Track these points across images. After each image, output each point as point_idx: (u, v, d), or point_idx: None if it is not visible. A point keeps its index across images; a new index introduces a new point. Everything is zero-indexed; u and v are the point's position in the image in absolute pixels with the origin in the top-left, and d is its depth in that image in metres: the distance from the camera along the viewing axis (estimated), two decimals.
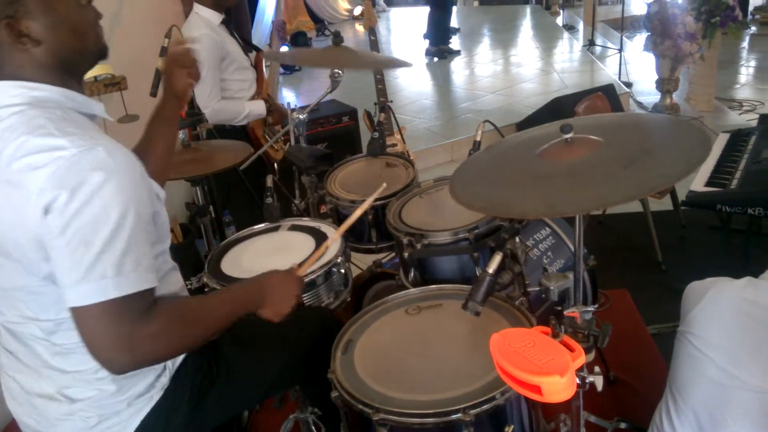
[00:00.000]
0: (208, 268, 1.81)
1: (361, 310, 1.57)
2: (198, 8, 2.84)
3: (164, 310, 1.08)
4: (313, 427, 1.84)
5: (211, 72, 2.76)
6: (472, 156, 1.47)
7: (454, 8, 10.45)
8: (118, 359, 1.04)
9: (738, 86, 6.24)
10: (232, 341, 1.43)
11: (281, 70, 6.85)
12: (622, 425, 1.88)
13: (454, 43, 8.12)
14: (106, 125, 2.59)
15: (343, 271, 1.81)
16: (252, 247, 1.92)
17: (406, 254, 1.76)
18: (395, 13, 11.79)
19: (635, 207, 3.07)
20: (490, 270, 1.25)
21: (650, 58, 5.11)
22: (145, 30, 3.32)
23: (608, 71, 6.23)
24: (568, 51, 7.64)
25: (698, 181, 2.41)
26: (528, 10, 10.88)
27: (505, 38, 8.77)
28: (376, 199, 2.06)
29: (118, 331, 1.02)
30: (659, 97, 5.11)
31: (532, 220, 1.93)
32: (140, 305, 1.04)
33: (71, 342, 1.14)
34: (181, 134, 2.17)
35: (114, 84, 2.45)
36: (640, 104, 5.38)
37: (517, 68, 6.96)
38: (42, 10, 1.06)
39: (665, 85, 4.97)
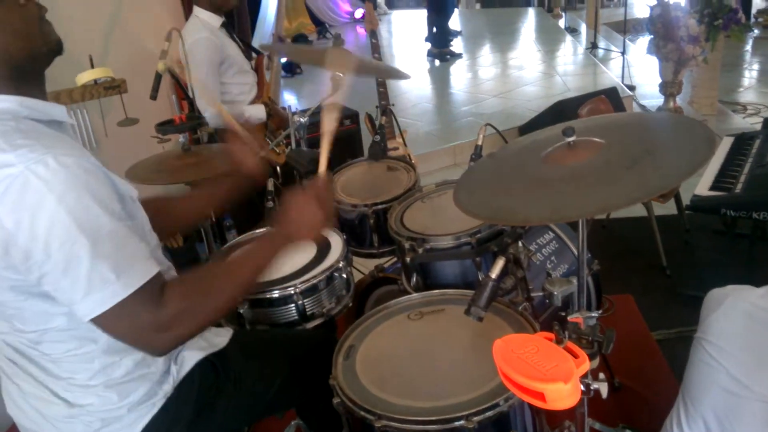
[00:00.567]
0: None
1: (363, 316, 1.56)
2: (197, 11, 2.83)
3: (173, 290, 1.08)
4: None
5: (210, 75, 2.75)
6: (474, 164, 1.45)
7: (456, 11, 10.48)
8: (156, 344, 1.07)
9: (741, 89, 6.23)
10: (240, 353, 1.42)
11: (283, 73, 6.85)
12: None
13: (456, 45, 8.12)
14: (106, 129, 2.60)
15: (344, 275, 1.80)
16: None
17: (408, 259, 1.75)
18: (397, 15, 11.81)
19: (639, 211, 3.05)
20: (493, 275, 1.24)
21: (653, 61, 5.10)
22: (146, 33, 3.31)
23: (611, 74, 6.22)
24: (570, 54, 7.64)
25: (702, 185, 2.39)
26: (530, 12, 10.89)
27: (507, 41, 8.76)
28: (377, 203, 2.05)
29: (143, 322, 1.04)
30: (662, 100, 5.09)
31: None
32: (153, 293, 1.05)
33: (58, 352, 1.13)
34: (182, 138, 2.16)
35: (114, 87, 2.45)
36: (643, 107, 5.37)
37: (519, 71, 6.95)
38: None
39: (668, 88, 4.96)
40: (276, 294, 1.67)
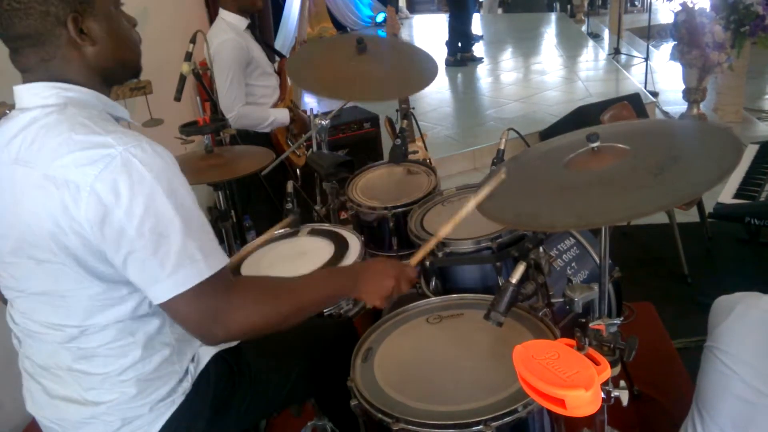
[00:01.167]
0: None
1: (382, 318, 1.56)
2: (223, 14, 2.87)
3: (246, 282, 1.15)
4: None
5: (236, 77, 2.78)
6: (495, 168, 1.45)
7: (477, 15, 10.45)
8: (215, 332, 1.08)
9: (767, 96, 6.13)
10: (255, 348, 1.43)
11: None
12: None
13: (478, 50, 8.10)
14: (131, 129, 2.63)
15: None
16: (272, 253, 1.92)
17: (427, 262, 1.75)
18: (418, 20, 11.81)
19: (661, 218, 3.02)
20: (514, 280, 1.23)
21: (677, 68, 5.04)
22: (171, 35, 3.36)
23: (634, 80, 6.17)
24: (592, 59, 7.58)
25: (726, 193, 2.36)
26: (552, 17, 10.83)
27: (528, 46, 8.72)
28: (397, 207, 2.06)
29: (213, 307, 1.07)
30: (686, 107, 5.02)
31: None
32: (227, 279, 1.10)
33: (94, 345, 1.15)
34: (205, 140, 2.19)
35: (139, 88, 2.48)
36: (666, 114, 5.31)
37: (541, 76, 6.91)
38: (104, 14, 1.13)
39: (692, 95, 4.89)
40: None
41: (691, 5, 4.54)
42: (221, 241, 2.88)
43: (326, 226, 2.04)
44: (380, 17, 10.29)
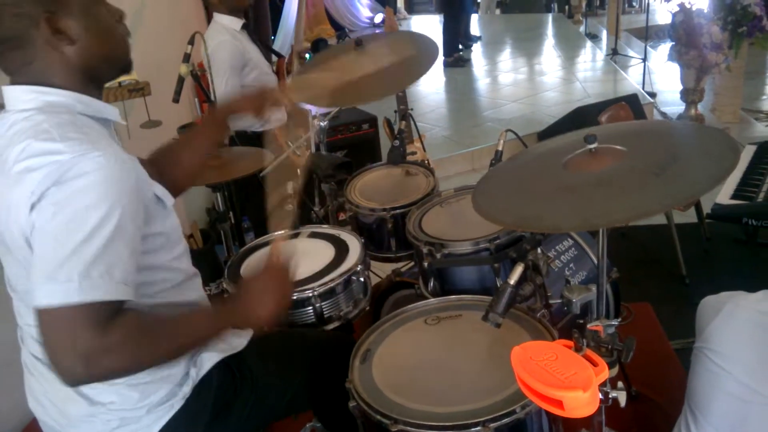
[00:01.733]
0: (227, 273, 1.81)
1: (380, 320, 1.56)
2: (217, 17, 2.86)
3: (123, 322, 1.02)
4: None
5: (231, 79, 2.78)
6: (493, 168, 1.45)
7: (476, 16, 10.45)
8: (73, 370, 0.98)
9: (765, 97, 6.14)
10: (257, 355, 1.42)
11: None
12: None
13: (475, 51, 8.11)
14: (129, 131, 2.63)
15: (362, 279, 1.81)
16: None
17: (425, 264, 1.75)
18: (416, 20, 11.81)
19: (659, 219, 3.03)
20: (512, 281, 1.24)
21: (675, 68, 5.05)
22: (169, 36, 3.36)
23: (632, 81, 6.17)
24: (590, 60, 7.59)
25: (724, 194, 2.37)
26: (550, 18, 10.83)
27: (526, 47, 8.73)
28: (396, 208, 2.06)
29: (76, 340, 0.97)
30: (684, 107, 5.04)
31: None
32: (101, 315, 0.99)
33: None
34: None
35: (137, 90, 2.48)
36: (664, 114, 5.31)
37: (539, 77, 6.92)
38: (82, 10, 1.10)
39: (690, 95, 4.90)
40: (294, 297, 1.68)
41: (688, 6, 4.55)
42: (219, 242, 2.88)
43: (326, 228, 2.04)
44: (378, 18, 10.29)
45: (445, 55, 7.46)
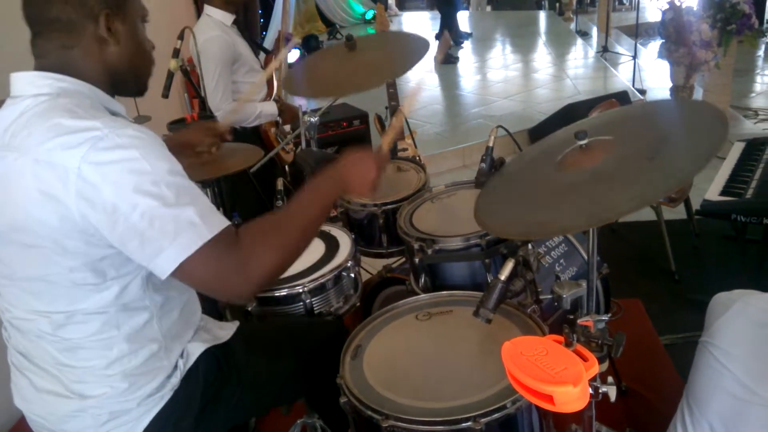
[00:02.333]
0: None
1: (371, 315, 1.56)
2: (208, 9, 2.83)
3: (244, 233, 1.12)
4: None
5: (222, 74, 2.76)
6: (488, 182, 1.45)
7: (467, 13, 10.44)
8: (242, 290, 1.09)
9: (753, 95, 6.19)
10: (245, 345, 1.43)
11: None
12: None
13: (465, 48, 8.11)
14: None
15: (352, 275, 1.80)
16: None
17: (416, 260, 1.75)
18: (407, 17, 11.81)
19: (648, 215, 3.04)
20: (502, 277, 1.24)
21: (664, 66, 5.08)
22: (158, 32, 3.31)
23: (622, 78, 6.21)
24: (581, 57, 7.62)
25: (713, 190, 2.38)
26: (541, 15, 10.87)
27: (517, 44, 8.75)
28: (387, 204, 2.06)
29: (226, 265, 1.07)
30: None
31: None
32: (231, 236, 1.09)
33: (79, 336, 1.15)
34: None
35: None
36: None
37: (530, 74, 6.94)
38: (132, 19, 1.19)
39: (680, 92, 4.93)
40: (284, 292, 1.67)
41: (678, 4, 4.57)
42: None
43: None
44: (369, 14, 10.27)
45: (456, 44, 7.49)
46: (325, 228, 1.97)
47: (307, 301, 1.68)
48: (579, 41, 8.37)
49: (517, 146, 1.95)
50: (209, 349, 1.33)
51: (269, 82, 3.10)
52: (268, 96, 3.06)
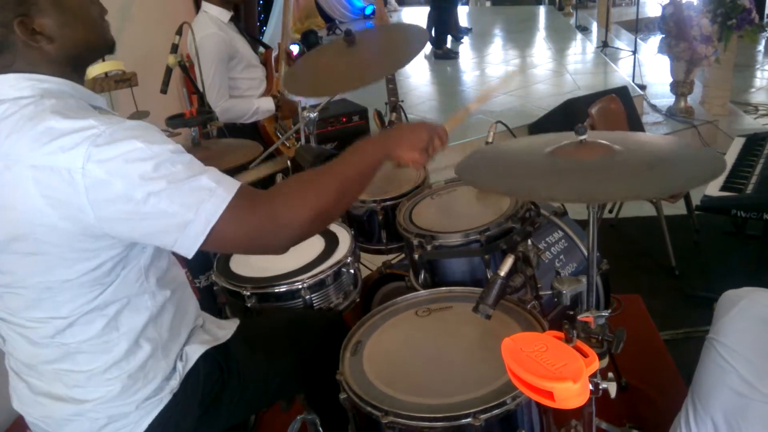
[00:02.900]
0: (217, 266, 1.80)
1: (371, 312, 1.56)
2: (206, 6, 2.82)
3: (280, 185, 1.13)
4: (320, 429, 1.82)
5: (219, 71, 2.75)
6: (473, 152, 1.45)
7: (466, 8, 10.41)
8: (275, 241, 1.09)
9: (754, 90, 6.18)
10: (244, 345, 1.42)
11: None
12: None
13: (466, 42, 8.09)
14: None
15: (352, 271, 1.80)
16: None
17: (416, 256, 1.74)
18: (407, 12, 11.77)
19: (648, 211, 3.04)
20: (502, 273, 1.23)
21: (665, 61, 5.07)
22: (156, 27, 3.32)
23: (622, 73, 6.19)
24: (581, 52, 7.60)
25: (713, 186, 2.37)
26: (541, 10, 10.84)
27: (517, 39, 8.72)
28: (386, 200, 2.05)
29: (255, 219, 1.06)
30: (673, 100, 5.06)
31: (544, 222, 1.90)
32: (253, 192, 1.09)
33: (79, 340, 1.14)
34: (192, 132, 2.17)
35: (124, 80, 2.46)
36: (654, 107, 5.33)
37: (530, 69, 6.92)
38: (54, 7, 1.07)
39: (680, 87, 4.92)
40: (283, 288, 1.67)
41: None
42: None
43: None
44: (369, 9, 10.24)
45: (434, 46, 7.43)
46: None
47: (307, 297, 1.68)
48: (579, 36, 8.35)
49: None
50: (209, 351, 1.32)
51: (268, 78, 3.09)
52: (267, 92, 3.05)
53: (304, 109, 2.27)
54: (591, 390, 1.15)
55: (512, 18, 10.27)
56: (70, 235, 1.02)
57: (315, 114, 2.25)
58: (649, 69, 6.26)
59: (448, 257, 1.74)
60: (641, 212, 3.23)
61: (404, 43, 1.92)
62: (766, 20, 7.13)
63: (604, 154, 1.18)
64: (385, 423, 1.18)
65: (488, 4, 11.98)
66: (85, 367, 1.16)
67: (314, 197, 1.11)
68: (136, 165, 0.99)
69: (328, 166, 1.20)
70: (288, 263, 1.75)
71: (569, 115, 4.48)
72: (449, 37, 7.85)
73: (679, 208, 3.27)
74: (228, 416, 1.37)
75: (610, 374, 1.19)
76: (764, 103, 5.57)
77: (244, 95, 2.94)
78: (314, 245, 1.84)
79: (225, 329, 1.41)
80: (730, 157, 2.60)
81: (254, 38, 3.21)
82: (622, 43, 7.69)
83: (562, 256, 1.91)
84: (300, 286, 1.67)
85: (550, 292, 1.28)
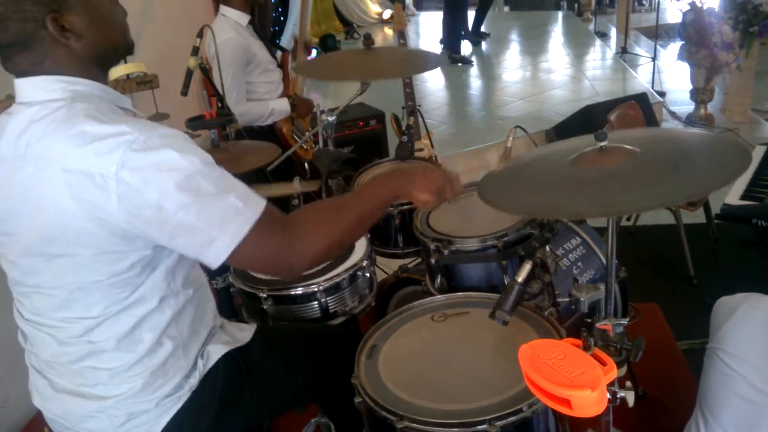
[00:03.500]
0: (234, 268, 1.81)
1: (387, 316, 1.55)
2: (225, 10, 2.83)
3: (300, 213, 1.18)
4: None
5: (236, 76, 2.77)
6: (490, 172, 1.44)
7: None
8: (291, 266, 1.13)
9: None
10: (263, 348, 1.43)
11: None
12: None
13: (484, 47, 8.05)
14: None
15: (368, 274, 1.80)
16: None
17: (432, 260, 1.74)
18: (425, 17, 11.78)
19: (667, 219, 3.01)
20: (520, 279, 1.23)
21: (685, 68, 5.02)
22: (177, 29, 3.35)
23: (641, 80, 6.14)
24: (599, 58, 7.55)
25: (733, 194, 2.34)
26: (559, 16, 10.78)
27: (535, 44, 8.69)
28: (403, 204, 2.05)
29: (275, 243, 1.10)
30: (693, 107, 5.01)
31: (562, 229, 1.89)
32: (274, 214, 1.12)
33: (105, 338, 1.15)
34: (211, 134, 2.18)
35: (146, 82, 2.48)
36: (673, 114, 5.29)
37: (548, 75, 6.88)
38: (83, 5, 1.09)
39: (700, 95, 4.88)
40: (299, 291, 1.68)
41: (699, 5, 4.52)
42: None
43: None
44: (387, 14, 10.26)
45: (450, 51, 7.40)
46: None
47: (322, 300, 1.68)
48: (597, 42, 8.30)
49: (535, 146, 1.94)
50: (230, 352, 1.34)
51: (285, 80, 3.10)
52: (283, 94, 3.06)
53: (322, 112, 2.28)
54: (609, 399, 1.14)
55: (530, 23, 10.24)
56: (100, 237, 1.04)
57: (333, 117, 2.26)
58: (668, 76, 6.21)
59: (465, 262, 1.74)
60: (659, 220, 3.20)
61: (421, 59, 1.94)
62: None
63: (626, 158, 1.17)
64: (400, 428, 1.18)
65: (506, 9, 11.95)
66: (109, 365, 1.17)
67: (330, 231, 1.16)
68: (170, 175, 1.00)
69: (346, 200, 1.29)
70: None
71: (588, 121, 4.46)
72: (467, 42, 7.83)
73: (698, 217, 3.23)
74: (244, 418, 1.38)
75: (628, 383, 1.17)
76: None
77: (261, 99, 2.95)
78: None
79: (245, 331, 1.43)
80: (751, 166, 2.56)
81: (272, 42, 3.23)
82: (642, 49, 7.63)
83: (579, 263, 1.89)
84: (316, 289, 1.67)
85: (567, 299, 1.27)
